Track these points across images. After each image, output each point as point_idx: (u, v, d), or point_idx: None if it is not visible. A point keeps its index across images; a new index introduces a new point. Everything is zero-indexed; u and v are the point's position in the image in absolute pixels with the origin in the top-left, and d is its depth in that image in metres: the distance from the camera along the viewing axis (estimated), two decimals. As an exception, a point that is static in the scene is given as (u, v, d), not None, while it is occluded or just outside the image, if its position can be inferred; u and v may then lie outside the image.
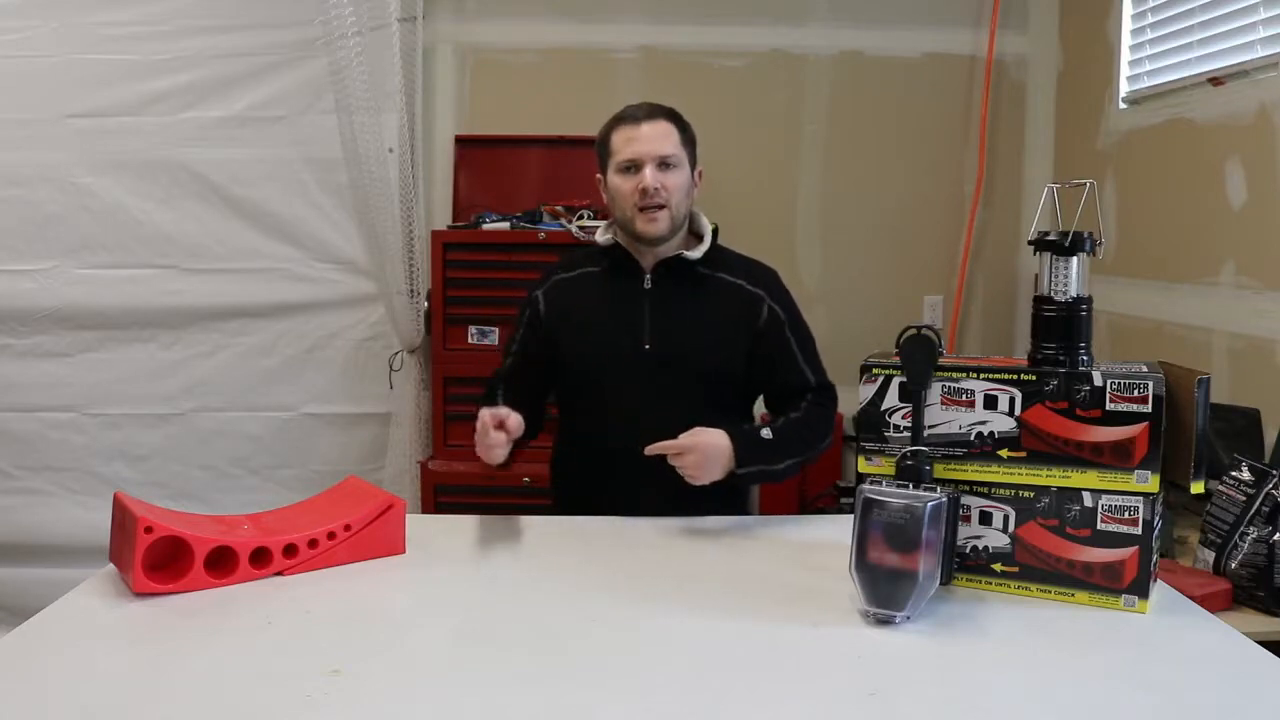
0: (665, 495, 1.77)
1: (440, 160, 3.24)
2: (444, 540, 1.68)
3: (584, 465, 1.94)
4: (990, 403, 1.44)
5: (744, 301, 1.91)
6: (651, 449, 1.70)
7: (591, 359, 1.89)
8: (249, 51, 3.07)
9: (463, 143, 3.22)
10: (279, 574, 1.48)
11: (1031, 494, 1.43)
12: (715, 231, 1.94)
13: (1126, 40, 2.86)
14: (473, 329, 2.92)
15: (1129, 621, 1.36)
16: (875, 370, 1.50)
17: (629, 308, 1.88)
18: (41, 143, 3.05)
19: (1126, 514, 1.38)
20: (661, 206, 1.83)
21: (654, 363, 1.86)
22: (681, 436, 1.71)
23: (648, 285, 1.89)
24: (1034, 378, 1.42)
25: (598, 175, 1.94)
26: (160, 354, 3.15)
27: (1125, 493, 1.38)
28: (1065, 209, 1.52)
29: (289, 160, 3.10)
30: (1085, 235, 1.41)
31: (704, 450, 1.71)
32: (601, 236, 1.95)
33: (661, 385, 1.86)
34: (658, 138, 1.84)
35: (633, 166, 1.83)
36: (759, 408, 2.02)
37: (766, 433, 1.82)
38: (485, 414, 1.70)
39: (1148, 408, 1.36)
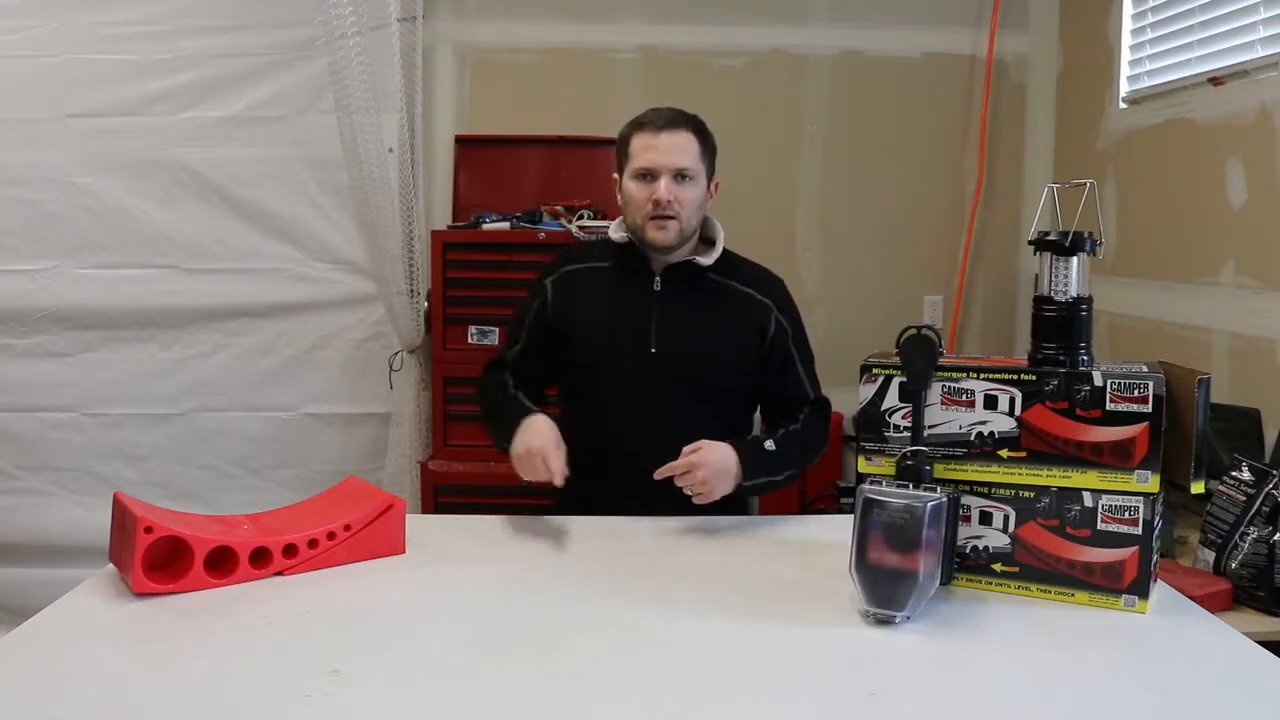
0: (664, 495, 1.77)
1: (440, 160, 3.24)
2: (444, 540, 1.68)
3: (583, 462, 1.94)
4: (990, 403, 1.44)
5: (752, 312, 1.90)
6: (658, 473, 1.68)
7: (596, 355, 1.88)
8: (249, 51, 3.07)
9: (463, 143, 3.22)
10: (279, 574, 1.48)
11: (1031, 494, 1.43)
12: (718, 235, 1.94)
13: (1126, 40, 2.86)
14: (473, 329, 2.92)
15: (1129, 621, 1.36)
16: (875, 370, 1.50)
17: (637, 309, 1.87)
18: (41, 143, 3.05)
19: (1126, 514, 1.38)
20: (671, 218, 1.81)
21: (658, 366, 1.85)
22: (685, 454, 1.69)
23: (657, 288, 1.88)
24: (1034, 378, 1.42)
25: (614, 175, 1.92)
26: (160, 354, 3.15)
27: (1125, 493, 1.38)
28: (1065, 209, 1.52)
29: (289, 160, 3.09)
30: (1085, 235, 1.41)
31: (712, 466, 1.70)
32: (615, 232, 1.92)
33: (664, 389, 1.85)
34: (677, 149, 1.82)
35: (648, 175, 1.82)
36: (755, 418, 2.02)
37: (770, 444, 1.81)
38: (536, 451, 1.70)
39: (1148, 408, 1.36)
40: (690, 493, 1.69)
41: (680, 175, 1.82)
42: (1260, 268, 2.30)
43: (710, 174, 1.89)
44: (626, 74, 3.23)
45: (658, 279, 1.88)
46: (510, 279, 2.72)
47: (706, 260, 1.88)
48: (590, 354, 1.89)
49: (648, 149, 1.82)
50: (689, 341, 1.86)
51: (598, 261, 1.95)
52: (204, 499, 3.14)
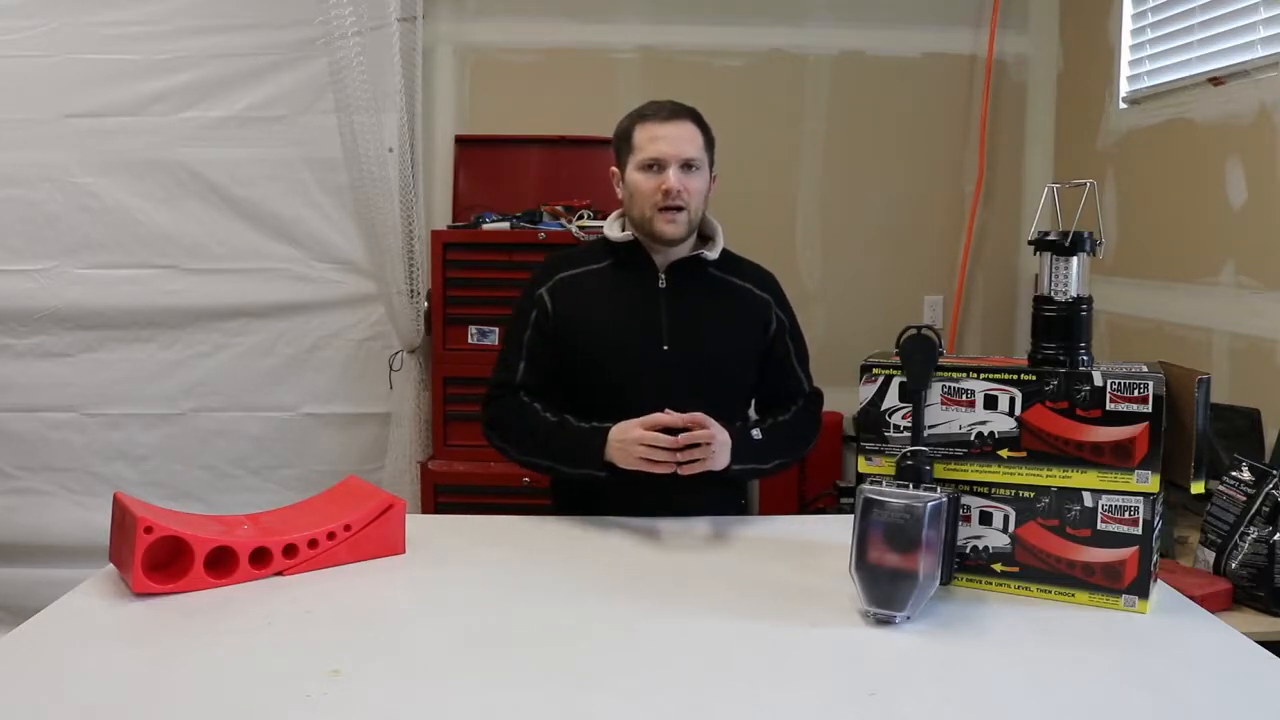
0: (669, 494, 1.77)
1: (440, 160, 3.24)
2: (444, 540, 1.68)
3: None
4: (990, 403, 1.44)
5: (753, 306, 1.91)
6: (684, 418, 1.66)
7: (608, 359, 1.85)
8: (249, 51, 3.07)
9: (463, 143, 3.22)
10: (279, 574, 1.48)
11: (1031, 494, 1.43)
12: (717, 233, 1.94)
13: (1126, 40, 2.86)
14: (473, 329, 2.92)
15: (1129, 621, 1.36)
16: (875, 370, 1.50)
17: (646, 307, 1.85)
18: (41, 143, 3.05)
19: (1127, 514, 1.38)
20: (681, 209, 1.80)
21: (671, 363, 1.83)
22: (700, 422, 1.67)
23: (663, 285, 1.86)
24: (1034, 378, 1.42)
25: (613, 169, 1.90)
26: (160, 354, 3.15)
27: (1125, 493, 1.38)
28: (1065, 209, 1.52)
29: (289, 160, 3.09)
30: (1085, 235, 1.41)
31: (723, 440, 1.70)
32: (611, 230, 1.90)
33: (677, 386, 1.80)
34: (683, 139, 1.81)
35: (656, 165, 1.80)
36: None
37: (756, 434, 1.82)
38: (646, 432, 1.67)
39: (1148, 408, 1.36)
40: (691, 458, 1.66)
41: (687, 165, 1.81)
42: (1260, 268, 2.30)
43: (711, 165, 1.88)
44: (626, 74, 3.23)
45: (662, 276, 1.87)
46: (510, 279, 2.70)
47: (712, 254, 1.87)
48: (601, 356, 1.85)
49: (654, 140, 1.81)
50: (698, 335, 1.85)
51: (592, 264, 1.91)
52: (204, 499, 3.14)
